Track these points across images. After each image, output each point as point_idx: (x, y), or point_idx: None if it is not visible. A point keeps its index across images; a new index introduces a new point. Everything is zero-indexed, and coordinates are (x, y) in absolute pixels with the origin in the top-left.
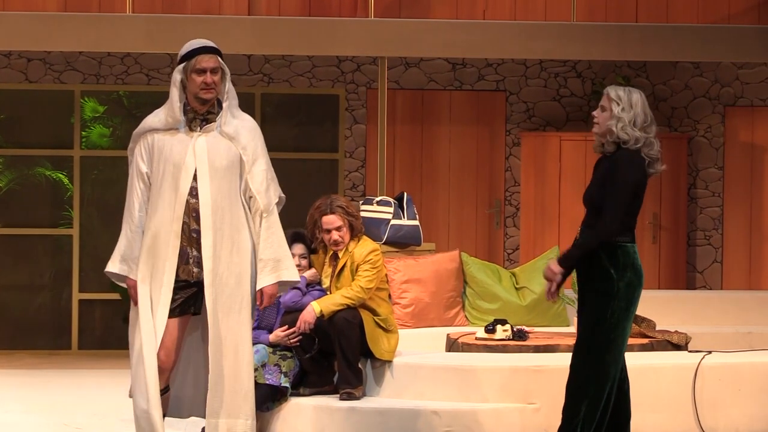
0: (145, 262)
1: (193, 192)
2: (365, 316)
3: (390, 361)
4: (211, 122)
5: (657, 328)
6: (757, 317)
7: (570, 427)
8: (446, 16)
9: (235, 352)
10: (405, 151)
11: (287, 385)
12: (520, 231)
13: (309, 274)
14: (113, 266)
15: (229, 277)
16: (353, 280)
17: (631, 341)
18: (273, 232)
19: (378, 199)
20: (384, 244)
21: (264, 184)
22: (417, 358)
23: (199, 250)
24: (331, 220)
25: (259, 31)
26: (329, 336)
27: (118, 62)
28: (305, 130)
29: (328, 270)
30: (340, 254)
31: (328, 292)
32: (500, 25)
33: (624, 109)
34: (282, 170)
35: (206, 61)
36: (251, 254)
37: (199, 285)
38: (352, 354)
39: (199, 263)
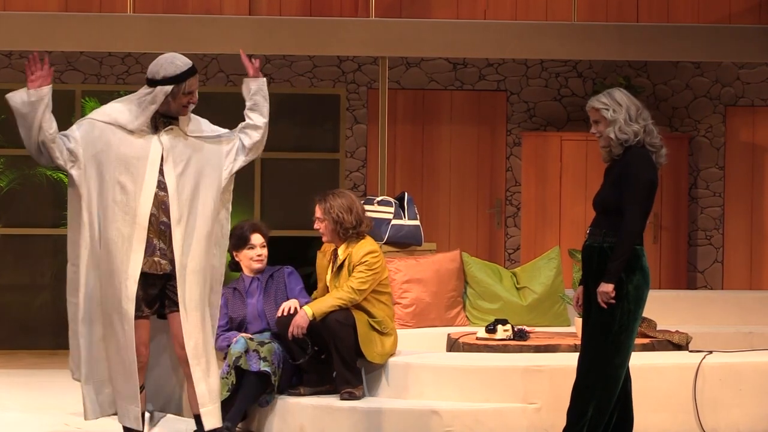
0: (106, 256)
1: (161, 185)
2: (359, 317)
3: (381, 365)
4: (173, 124)
5: (658, 328)
6: (757, 317)
7: (576, 428)
8: (447, 16)
9: (210, 340)
10: (406, 150)
11: (267, 369)
12: (521, 231)
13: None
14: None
15: (202, 268)
16: None
17: None
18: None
19: (379, 198)
20: (385, 244)
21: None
22: (418, 358)
23: (166, 242)
24: (316, 211)
25: (260, 31)
26: (323, 337)
27: (119, 62)
28: (306, 130)
29: (329, 267)
30: (340, 252)
31: (328, 289)
32: (501, 24)
33: (615, 111)
34: (283, 170)
35: (195, 85)
36: (214, 246)
37: (165, 278)
38: (348, 355)
39: (165, 255)
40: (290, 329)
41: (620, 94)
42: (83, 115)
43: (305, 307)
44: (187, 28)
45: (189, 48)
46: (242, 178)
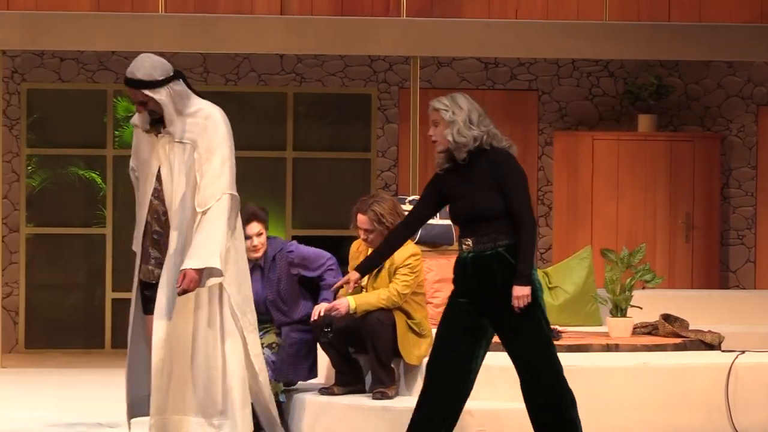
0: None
1: (156, 193)
2: (399, 318)
3: (418, 366)
4: (161, 125)
5: (690, 328)
6: None
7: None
8: (478, 15)
9: (189, 351)
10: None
11: (272, 357)
12: (553, 230)
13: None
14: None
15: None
16: (390, 281)
17: (664, 341)
18: (207, 226)
19: (410, 198)
20: (416, 243)
21: (211, 178)
22: None
23: (160, 251)
24: (362, 221)
25: (292, 30)
26: (361, 335)
27: None
28: (337, 130)
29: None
30: None
31: (365, 290)
32: (532, 24)
33: (454, 113)
34: (314, 170)
35: (132, 95)
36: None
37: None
38: (384, 354)
39: (160, 264)
40: (325, 307)
41: (463, 99)
42: (114, 114)
43: (349, 298)
44: (218, 27)
45: (220, 47)
46: (273, 178)
